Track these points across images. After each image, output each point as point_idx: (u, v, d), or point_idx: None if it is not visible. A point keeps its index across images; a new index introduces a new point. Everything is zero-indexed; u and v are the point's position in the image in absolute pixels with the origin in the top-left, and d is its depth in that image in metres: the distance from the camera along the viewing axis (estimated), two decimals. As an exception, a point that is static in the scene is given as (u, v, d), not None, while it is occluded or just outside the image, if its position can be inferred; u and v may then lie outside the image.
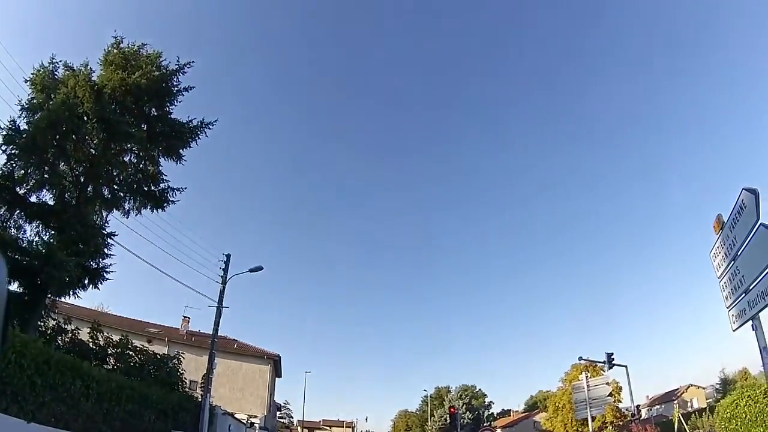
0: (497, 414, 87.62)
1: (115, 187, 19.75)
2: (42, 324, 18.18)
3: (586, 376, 26.16)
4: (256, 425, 35.05)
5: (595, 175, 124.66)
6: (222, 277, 26.38)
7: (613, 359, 25.35)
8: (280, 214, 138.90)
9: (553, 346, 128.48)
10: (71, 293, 17.83)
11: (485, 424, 65.17)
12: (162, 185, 20.73)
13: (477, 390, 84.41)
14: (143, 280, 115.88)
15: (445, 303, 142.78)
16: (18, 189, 17.32)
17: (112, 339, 21.73)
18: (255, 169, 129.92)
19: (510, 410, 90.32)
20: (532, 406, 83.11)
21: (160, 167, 20.74)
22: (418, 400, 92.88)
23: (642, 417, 22.96)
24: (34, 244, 16.92)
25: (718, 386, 51.77)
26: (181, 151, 20.97)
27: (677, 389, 66.19)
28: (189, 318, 43.02)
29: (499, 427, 67.52)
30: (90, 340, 20.89)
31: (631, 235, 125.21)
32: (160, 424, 18.53)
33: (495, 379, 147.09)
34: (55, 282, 16.17)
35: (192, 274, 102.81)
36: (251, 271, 27.03)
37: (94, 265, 18.47)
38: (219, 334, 26.87)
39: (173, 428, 19.67)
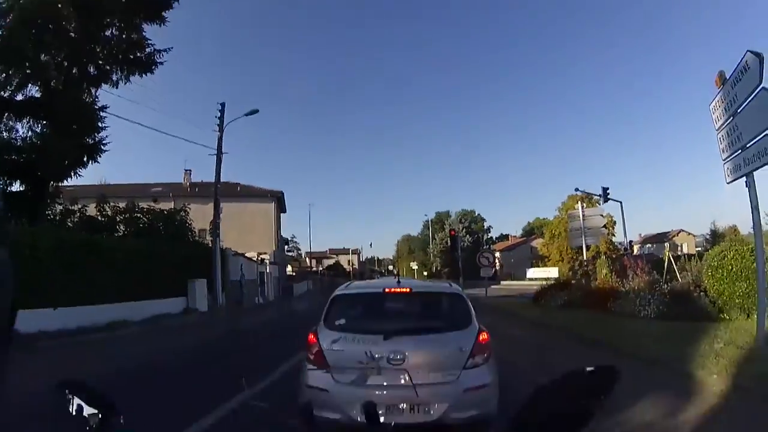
0: (496, 238, 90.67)
1: (100, 62, 19.13)
2: (50, 212, 18.55)
3: (582, 207, 26.77)
4: (267, 261, 36.46)
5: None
6: (219, 125, 26.53)
7: (608, 193, 25.91)
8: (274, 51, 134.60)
9: (551, 176, 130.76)
10: (72, 175, 18.10)
11: (484, 247, 67.28)
12: (148, 50, 20.16)
13: (476, 215, 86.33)
14: (144, 146, 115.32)
15: (445, 121, 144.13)
16: (3, 93, 16.98)
17: (119, 207, 22.32)
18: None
19: (508, 235, 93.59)
20: (529, 232, 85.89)
21: (144, 33, 20.06)
22: (419, 226, 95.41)
23: (634, 253, 23.71)
24: (28, 139, 16.94)
25: (708, 236, 52.78)
26: (163, 13, 20.18)
27: (669, 232, 68.29)
28: (191, 170, 43.80)
29: (498, 251, 69.87)
30: (98, 213, 21.53)
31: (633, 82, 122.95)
32: (176, 276, 19.49)
33: (494, 205, 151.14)
34: (55, 169, 16.35)
35: (190, 129, 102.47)
36: (247, 115, 27.11)
37: (91, 141, 18.49)
38: (221, 180, 27.37)
39: (189, 277, 20.68)
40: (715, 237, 44.23)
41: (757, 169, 8.54)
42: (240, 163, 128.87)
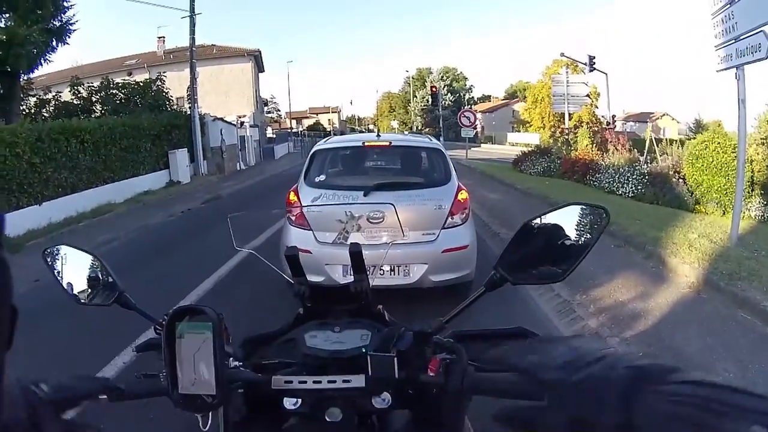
0: (477, 99, 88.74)
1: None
2: (24, 106, 18.12)
3: (567, 72, 26.30)
4: (246, 124, 35.91)
5: None
6: None
7: (594, 62, 25.16)
8: None
9: (537, 37, 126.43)
10: (42, 63, 17.25)
11: (466, 107, 66.50)
12: None
13: (458, 73, 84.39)
14: (114, 19, 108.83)
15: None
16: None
17: (93, 86, 21.49)
18: None
19: (490, 96, 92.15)
20: (512, 95, 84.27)
21: None
22: (400, 83, 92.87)
23: (615, 128, 23.50)
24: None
25: (691, 125, 51.79)
26: None
27: (653, 113, 66.12)
28: (164, 37, 41.35)
29: (480, 111, 69.24)
30: (73, 97, 20.82)
31: None
32: (157, 149, 19.25)
33: (477, 63, 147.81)
34: (23, 61, 15.66)
35: None
36: None
37: (57, 24, 17.42)
38: (196, 43, 25.89)
39: (169, 149, 20.43)
40: (699, 128, 43.80)
41: (747, 63, 8.23)
42: (215, 23, 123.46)
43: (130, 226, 11.71)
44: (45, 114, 18.99)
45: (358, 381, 1.12)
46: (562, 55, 30.29)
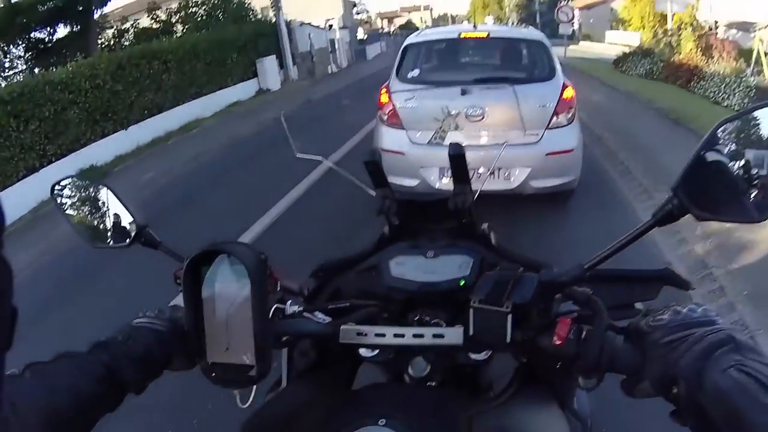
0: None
1: None
2: (102, 39, 18.40)
3: None
4: (336, 27, 35.34)
5: None
6: None
7: None
8: None
9: None
10: None
11: (563, 2, 62.90)
12: None
13: (551, -35, 79.26)
14: None
15: None
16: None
17: (171, 8, 21.58)
18: None
19: None
20: None
21: None
22: None
23: (718, 34, 21.71)
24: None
25: None
26: None
27: (756, 23, 59.57)
28: None
29: (577, 8, 65.49)
30: (152, 21, 21.02)
31: None
32: (244, 59, 19.19)
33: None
34: None
35: None
36: None
37: None
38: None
39: (257, 58, 20.27)
40: None
41: None
42: None
43: (219, 138, 11.87)
44: (126, 43, 19.21)
45: (453, 336, 0.90)
46: None
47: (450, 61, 5.90)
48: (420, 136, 4.93)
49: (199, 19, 21.67)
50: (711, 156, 0.82)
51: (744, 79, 14.26)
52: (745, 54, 17.73)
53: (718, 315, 0.73)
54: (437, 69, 5.80)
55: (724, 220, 0.93)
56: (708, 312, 0.75)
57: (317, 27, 29.88)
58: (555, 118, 4.90)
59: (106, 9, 19.10)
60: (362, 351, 1.01)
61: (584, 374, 0.82)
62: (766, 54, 15.74)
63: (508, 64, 5.80)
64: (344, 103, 15.26)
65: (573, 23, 30.20)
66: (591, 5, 74.92)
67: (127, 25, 20.45)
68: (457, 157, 1.00)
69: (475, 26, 6.05)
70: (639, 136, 9.33)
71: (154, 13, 21.27)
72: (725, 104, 13.69)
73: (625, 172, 7.10)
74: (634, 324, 0.78)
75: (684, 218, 0.88)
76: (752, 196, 0.80)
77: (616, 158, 7.70)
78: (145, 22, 21.21)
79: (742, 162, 0.81)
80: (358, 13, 72.38)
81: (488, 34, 5.69)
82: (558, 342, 0.80)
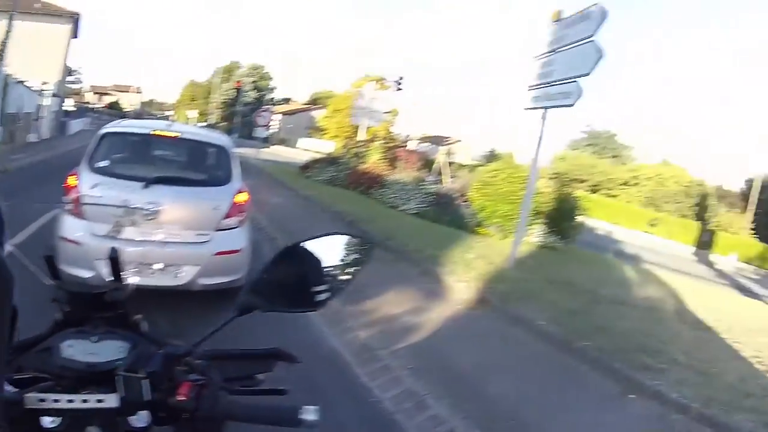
0: (280, 100, 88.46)
1: None
2: None
3: (373, 87, 26.63)
4: (48, 92, 31.54)
5: None
6: None
7: (401, 83, 26.43)
8: None
9: (349, 52, 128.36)
10: None
11: (265, 107, 66.18)
12: None
13: (265, 72, 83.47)
14: None
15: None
16: None
17: None
18: None
19: (289, 99, 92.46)
20: (314, 102, 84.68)
21: None
22: (209, 74, 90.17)
23: (408, 147, 24.37)
24: None
25: (485, 154, 56.84)
26: None
27: (448, 137, 69.86)
28: None
29: (280, 113, 68.94)
30: None
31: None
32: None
33: (285, 65, 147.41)
34: None
35: None
36: None
37: None
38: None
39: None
40: (492, 158, 49.02)
41: (555, 107, 9.26)
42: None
43: None
44: None
45: (111, 401, 1.01)
46: (372, 72, 31.03)
47: (139, 156, 5.96)
48: (99, 227, 4.85)
49: None
50: (280, 266, 1.21)
51: (423, 186, 15.42)
52: (430, 165, 19.43)
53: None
54: (126, 162, 5.75)
55: (286, 311, 1.26)
56: None
57: (30, 88, 27.15)
58: (226, 220, 5.16)
59: None
60: (45, 422, 1.04)
61: (204, 424, 1.03)
62: (450, 164, 17.29)
63: (192, 165, 6.02)
64: (43, 176, 14.03)
65: (269, 127, 31.52)
66: (294, 111, 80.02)
67: None
68: (114, 259, 1.19)
69: (170, 124, 6.28)
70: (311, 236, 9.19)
71: None
72: (402, 208, 14.53)
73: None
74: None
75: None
76: (310, 293, 1.20)
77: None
78: None
79: (304, 270, 1.21)
80: (73, 83, 67.16)
81: (178, 135, 5.75)
82: (181, 398, 1.01)
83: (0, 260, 0.67)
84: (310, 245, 1.22)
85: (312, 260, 1.21)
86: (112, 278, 1.17)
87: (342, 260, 1.24)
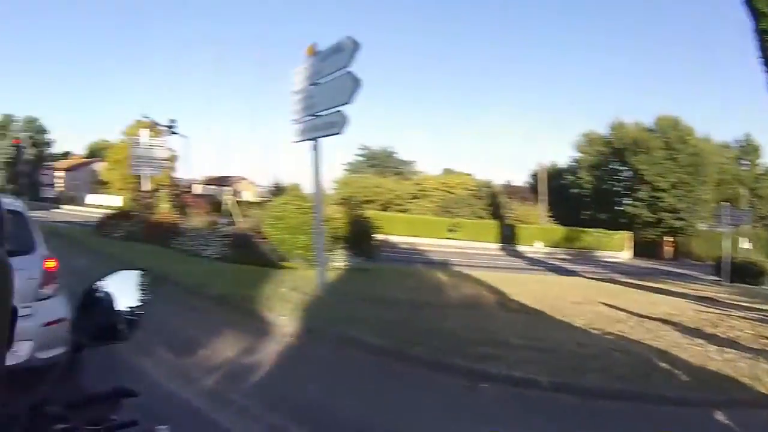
0: (60, 155, 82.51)
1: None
2: None
3: (147, 134, 25.80)
4: None
5: None
6: None
7: (175, 126, 25.92)
8: None
9: (117, 95, 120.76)
10: None
11: (46, 164, 61.67)
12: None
13: (39, 124, 77.02)
14: None
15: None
16: None
17: None
18: None
19: (69, 153, 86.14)
20: (93, 154, 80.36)
21: None
22: None
23: (194, 192, 24.13)
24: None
25: (272, 188, 57.01)
26: None
27: (232, 177, 69.59)
28: None
29: (61, 169, 64.70)
30: None
31: None
32: None
33: (59, 115, 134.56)
34: None
35: None
36: None
37: None
38: None
39: None
40: (278, 191, 48.53)
41: (324, 136, 9.80)
42: None
43: None
44: None
45: None
46: (145, 117, 30.22)
47: None
48: None
49: None
50: (88, 306, 1.36)
51: (218, 229, 15.70)
52: (220, 206, 19.39)
53: None
54: None
55: (104, 343, 1.46)
56: None
57: None
58: (42, 289, 4.98)
59: None
60: None
61: None
62: (239, 203, 17.32)
63: None
64: None
65: (54, 186, 29.44)
66: (74, 166, 74.41)
67: None
68: None
69: None
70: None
71: None
72: (205, 254, 14.43)
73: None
74: None
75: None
76: (119, 325, 1.34)
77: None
78: None
79: (108, 306, 1.35)
80: None
81: None
82: None
83: (0, 260, 0.64)
84: (104, 283, 1.36)
85: (109, 296, 1.34)
86: None
87: (134, 291, 1.38)
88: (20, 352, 4.60)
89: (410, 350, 5.84)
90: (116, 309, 1.33)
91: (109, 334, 1.34)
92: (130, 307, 1.35)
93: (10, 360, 3.44)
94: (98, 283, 1.36)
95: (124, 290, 1.36)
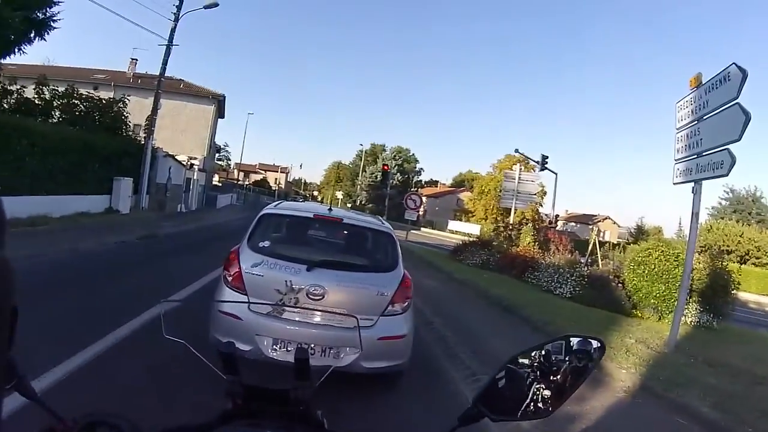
0: (425, 183, 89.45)
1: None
2: None
3: (520, 169, 26.56)
4: (196, 167, 35.29)
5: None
6: (174, 13, 24.53)
7: (547, 162, 25.70)
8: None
9: (491, 130, 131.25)
10: (17, 51, 16.21)
11: (413, 189, 66.79)
12: None
13: (410, 154, 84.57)
14: (92, 26, 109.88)
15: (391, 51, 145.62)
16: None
17: (57, 91, 20.77)
18: None
19: (437, 182, 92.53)
20: (459, 183, 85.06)
21: None
22: (352, 155, 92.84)
23: (557, 227, 24.21)
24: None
25: (632, 230, 53.74)
26: None
27: (595, 215, 68.58)
28: (137, 60, 40.41)
29: (426, 195, 69.15)
30: (36, 96, 19.95)
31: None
32: (104, 172, 18.82)
33: (429, 148, 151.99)
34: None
35: (143, 12, 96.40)
36: (206, 8, 24.94)
37: (41, 16, 16.34)
38: (166, 74, 25.78)
39: (116, 174, 20.01)
40: (640, 233, 45.45)
41: (706, 179, 8.87)
42: (184, 60, 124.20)
43: (60, 245, 11.19)
44: (5, 105, 18.25)
45: None
46: (517, 151, 31.02)
47: (301, 239, 6.09)
48: (260, 305, 5.00)
49: (77, 113, 21.07)
50: (508, 376, 1.22)
51: (578, 269, 15.56)
52: (580, 245, 19.43)
53: None
54: (288, 243, 5.89)
55: (516, 420, 1.28)
56: None
57: (179, 162, 29.92)
58: (391, 306, 5.15)
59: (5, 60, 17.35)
60: None
61: None
62: (601, 244, 17.32)
63: (356, 250, 6.06)
64: (187, 246, 15.60)
65: (419, 209, 31.99)
66: (439, 194, 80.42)
67: (14, 88, 19.01)
68: (302, 360, 1.24)
69: (330, 209, 6.21)
70: (468, 321, 9.85)
71: (41, 88, 20.14)
72: (557, 292, 14.80)
73: (452, 355, 7.47)
74: None
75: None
76: (539, 400, 1.18)
77: (447, 343, 8.05)
78: (30, 92, 19.96)
79: (532, 378, 1.20)
80: (219, 159, 73.63)
81: (341, 219, 5.86)
82: None
83: (1, 261, 0.66)
84: (535, 352, 1.23)
85: (538, 368, 1.21)
86: (296, 377, 1.24)
87: (569, 362, 1.22)
88: (345, 357, 4.90)
89: (742, 431, 5.40)
90: (542, 381, 1.19)
91: (527, 411, 1.19)
92: (563, 378, 1.21)
93: (333, 362, 4.92)
94: (522, 354, 1.25)
95: (558, 359, 1.23)
